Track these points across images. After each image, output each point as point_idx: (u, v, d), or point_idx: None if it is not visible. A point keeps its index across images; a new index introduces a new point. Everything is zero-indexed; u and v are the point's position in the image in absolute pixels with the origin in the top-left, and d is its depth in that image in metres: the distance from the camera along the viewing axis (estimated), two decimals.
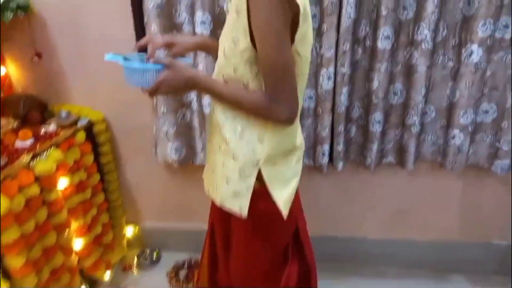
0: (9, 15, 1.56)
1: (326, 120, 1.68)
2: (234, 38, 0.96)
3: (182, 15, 1.62)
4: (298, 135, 1.13)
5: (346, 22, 1.52)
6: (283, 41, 0.91)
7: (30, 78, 1.86)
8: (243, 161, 1.05)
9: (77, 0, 1.70)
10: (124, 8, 1.66)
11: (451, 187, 1.85)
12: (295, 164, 1.13)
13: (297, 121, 1.10)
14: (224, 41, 1.01)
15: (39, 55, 1.79)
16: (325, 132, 1.71)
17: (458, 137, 1.65)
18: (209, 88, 1.02)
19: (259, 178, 1.05)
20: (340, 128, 1.70)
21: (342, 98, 1.65)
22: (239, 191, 1.07)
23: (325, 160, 1.76)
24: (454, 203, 1.88)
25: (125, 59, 1.08)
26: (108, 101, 1.87)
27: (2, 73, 1.80)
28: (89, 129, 1.83)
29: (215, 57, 1.09)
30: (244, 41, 0.94)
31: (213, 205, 1.28)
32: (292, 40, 0.93)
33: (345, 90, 1.64)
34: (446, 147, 1.71)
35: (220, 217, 1.21)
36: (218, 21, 1.62)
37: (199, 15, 1.59)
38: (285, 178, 1.10)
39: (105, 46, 1.73)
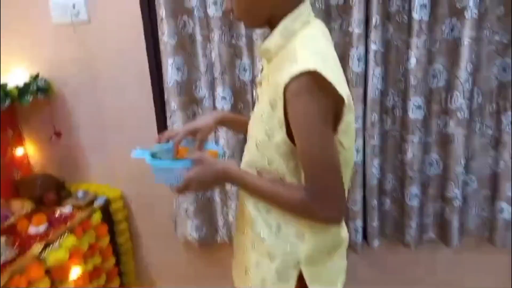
0: (28, 99, 1.56)
1: (358, 193, 1.56)
2: (268, 131, 0.87)
3: (202, 91, 1.59)
4: (342, 226, 0.99)
5: (373, 93, 1.45)
6: (326, 136, 0.81)
7: (48, 157, 1.83)
8: (281, 262, 0.92)
9: (97, 79, 1.70)
10: (144, 85, 1.65)
11: (501, 265, 1.65)
12: (340, 260, 0.99)
13: None
14: (256, 133, 0.92)
15: (58, 134, 1.77)
16: (357, 207, 1.58)
17: (506, 211, 1.49)
18: (243, 182, 0.92)
19: (300, 279, 0.92)
20: (374, 202, 1.57)
21: (374, 170, 1.54)
22: None
23: (358, 237, 1.62)
24: (506, 282, 1.67)
25: (153, 154, 1.01)
26: (126, 177, 1.81)
27: (20, 154, 1.78)
28: (106, 207, 1.75)
29: (236, 131, 0.98)
30: (280, 135, 0.84)
31: None
32: (335, 131, 0.84)
33: (376, 162, 1.53)
34: (493, 221, 1.55)
35: None
36: (239, 95, 1.58)
37: (219, 91, 1.55)
38: (330, 278, 0.96)
39: (124, 124, 1.74)
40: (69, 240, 1.44)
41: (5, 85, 1.47)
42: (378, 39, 1.41)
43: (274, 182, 0.90)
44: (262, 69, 0.96)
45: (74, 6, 1.60)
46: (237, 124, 1.16)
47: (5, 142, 1.70)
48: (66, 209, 1.63)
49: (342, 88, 0.80)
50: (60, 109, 1.75)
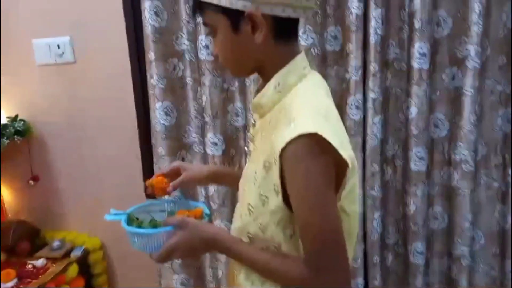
0: (4, 142, 1.46)
1: (358, 249, 1.45)
2: (261, 196, 0.77)
3: (192, 136, 1.50)
4: None
5: (372, 142, 1.38)
6: (329, 204, 0.71)
7: (24, 202, 1.71)
8: None
9: (80, 122, 1.61)
10: (130, 130, 1.56)
11: None
12: None
13: None
14: (249, 196, 0.81)
15: (35, 178, 1.66)
16: (358, 263, 1.46)
17: None
18: (234, 252, 0.81)
19: None
20: (375, 258, 1.46)
21: (375, 224, 1.44)
22: None
23: None
24: None
25: (129, 217, 0.91)
26: (106, 226, 1.66)
27: None
28: (83, 258, 1.61)
29: (230, 187, 0.86)
30: (275, 201, 0.75)
31: None
32: (338, 197, 0.74)
33: (377, 215, 1.44)
34: (503, 280, 1.44)
35: None
36: (231, 141, 1.50)
37: (210, 136, 1.47)
38: None
39: (107, 170, 1.64)
40: None
41: None
42: (377, 86, 1.36)
43: (270, 253, 0.79)
44: (254, 123, 0.86)
45: (58, 46, 1.53)
46: (231, 180, 1.03)
47: None
48: (39, 262, 1.49)
49: (345, 150, 0.70)
50: (39, 152, 1.65)
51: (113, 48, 1.51)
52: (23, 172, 1.65)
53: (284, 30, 0.76)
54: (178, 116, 1.50)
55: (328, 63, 1.42)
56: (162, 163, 1.50)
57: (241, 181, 0.88)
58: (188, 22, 1.42)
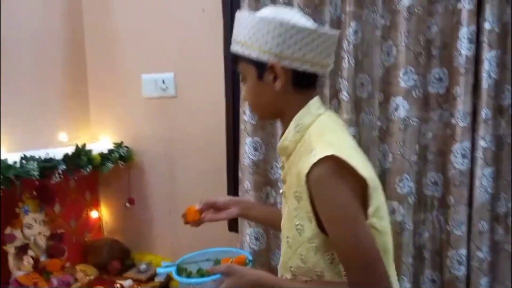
0: (109, 166, 1.59)
1: None
2: (297, 226, 0.85)
3: (278, 172, 1.48)
4: None
5: (480, 197, 1.22)
6: (358, 222, 0.79)
7: (119, 223, 1.84)
8: None
9: (175, 152, 1.70)
10: (219, 163, 1.60)
11: None
12: None
13: None
14: (287, 231, 0.90)
15: (131, 201, 1.77)
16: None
17: None
18: None
19: None
20: None
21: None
22: None
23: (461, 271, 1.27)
24: None
25: (178, 268, 1.01)
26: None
27: (94, 216, 1.80)
28: (166, 284, 1.66)
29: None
30: (310, 228, 0.83)
31: None
32: (366, 216, 0.80)
33: (484, 281, 1.25)
34: None
35: None
36: None
37: None
38: None
39: (195, 199, 1.69)
40: None
41: (89, 152, 1.52)
42: (488, 134, 1.21)
43: (314, 284, 0.85)
44: (283, 165, 0.95)
45: (163, 82, 1.66)
46: (263, 216, 1.16)
47: (82, 204, 1.75)
48: (127, 282, 1.56)
49: (363, 169, 0.78)
50: (137, 177, 1.77)
51: (210, 85, 1.59)
52: (122, 195, 1.78)
53: (302, 81, 0.88)
54: (266, 152, 1.50)
55: (430, 106, 1.33)
56: (247, 198, 1.50)
57: (282, 223, 0.94)
58: None
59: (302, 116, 0.88)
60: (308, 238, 0.83)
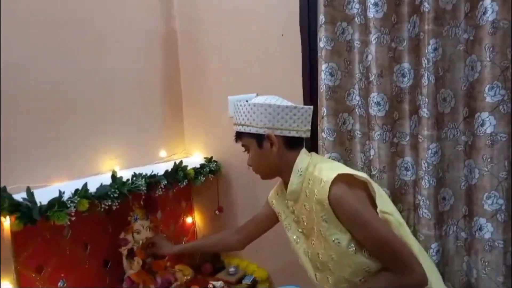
0: (201, 179, 1.78)
1: None
2: (335, 241, 1.09)
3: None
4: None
5: None
6: (376, 219, 1.05)
7: (210, 229, 2.03)
8: None
9: None
10: None
11: None
12: None
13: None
14: (326, 254, 1.13)
15: (220, 209, 1.95)
16: None
17: None
18: None
19: None
20: None
21: None
22: None
23: None
24: None
25: None
26: (273, 260, 1.84)
27: (189, 222, 2.02)
28: (252, 286, 1.80)
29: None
30: (344, 237, 1.08)
31: None
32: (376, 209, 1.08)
33: None
34: None
35: None
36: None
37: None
38: None
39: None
40: None
41: (185, 167, 1.72)
42: None
43: (370, 282, 1.07)
44: (292, 210, 1.26)
45: (247, 101, 1.80)
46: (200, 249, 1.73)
47: (179, 212, 1.97)
48: (218, 283, 1.73)
49: (362, 174, 1.11)
50: (225, 187, 1.94)
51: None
52: (212, 203, 1.97)
53: (291, 143, 1.20)
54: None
55: None
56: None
57: (312, 253, 1.21)
58: (360, 79, 1.49)
59: (298, 163, 1.18)
60: (346, 246, 1.07)
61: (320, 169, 1.12)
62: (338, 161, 1.56)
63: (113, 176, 1.44)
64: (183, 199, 1.98)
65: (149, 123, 1.86)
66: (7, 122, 1.30)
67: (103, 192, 1.36)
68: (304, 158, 1.19)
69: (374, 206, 1.09)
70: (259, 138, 1.20)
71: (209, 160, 1.89)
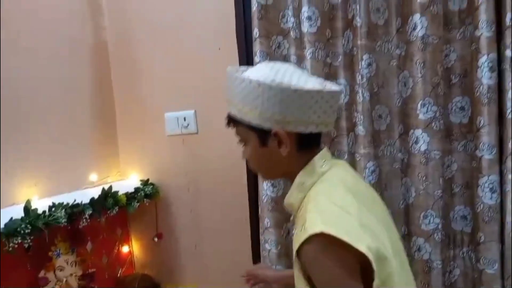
0: (135, 206, 1.65)
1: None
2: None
3: None
4: None
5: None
6: None
7: (148, 257, 1.88)
8: None
9: (199, 186, 1.73)
10: (242, 198, 1.61)
11: None
12: None
13: None
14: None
15: (159, 235, 1.82)
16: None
17: None
18: None
19: None
20: None
21: None
22: None
23: None
24: None
25: None
26: (219, 284, 1.73)
27: (125, 251, 1.87)
28: None
29: None
30: None
31: None
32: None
33: None
34: None
35: None
36: None
37: None
38: None
39: (219, 232, 1.72)
40: None
41: (115, 194, 1.58)
42: None
43: None
44: (293, 219, 1.05)
45: (185, 119, 1.71)
46: None
47: (114, 241, 1.81)
48: None
49: (363, 242, 0.71)
50: (164, 212, 1.81)
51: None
52: (150, 230, 1.83)
53: (307, 142, 0.85)
54: (286, 188, 1.49)
55: (454, 136, 1.27)
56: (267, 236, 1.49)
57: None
58: None
59: (304, 175, 0.85)
60: None
61: (316, 206, 0.80)
62: (285, 182, 1.45)
63: (26, 208, 1.28)
64: (118, 227, 1.82)
65: (77, 142, 1.69)
66: None
67: (12, 228, 1.20)
68: (315, 169, 0.85)
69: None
70: (263, 134, 0.84)
71: (145, 183, 1.76)
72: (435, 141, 1.24)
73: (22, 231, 1.21)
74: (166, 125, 1.76)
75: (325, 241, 0.71)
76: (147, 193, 1.71)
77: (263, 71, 0.84)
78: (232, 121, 0.89)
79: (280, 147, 0.84)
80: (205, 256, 1.76)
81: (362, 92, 1.29)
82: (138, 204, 1.67)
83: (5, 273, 1.34)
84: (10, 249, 1.20)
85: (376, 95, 1.32)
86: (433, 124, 1.24)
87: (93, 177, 1.72)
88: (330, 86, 0.87)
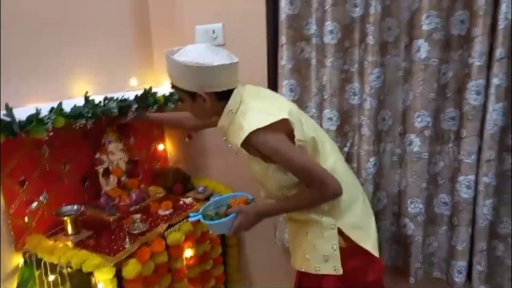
0: (170, 106, 1.91)
1: (464, 233, 1.47)
2: (255, 166, 1.30)
3: (311, 112, 1.70)
4: (345, 189, 1.23)
5: (490, 129, 1.36)
6: (293, 151, 1.20)
7: (180, 154, 2.19)
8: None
9: None
10: None
11: None
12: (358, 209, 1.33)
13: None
14: (253, 170, 1.33)
15: (190, 136, 2.09)
16: (462, 247, 1.48)
17: None
18: (275, 212, 1.42)
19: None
20: (482, 245, 1.46)
21: (485, 210, 1.43)
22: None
23: (460, 278, 1.51)
24: None
25: (205, 212, 1.39)
26: (238, 180, 2.03)
27: (161, 149, 2.17)
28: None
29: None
30: (264, 165, 1.26)
31: None
32: (294, 140, 1.21)
33: (488, 202, 1.42)
34: None
35: None
36: (346, 118, 1.65)
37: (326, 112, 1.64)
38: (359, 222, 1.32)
39: None
40: (186, 226, 1.70)
41: (155, 94, 1.84)
42: (501, 73, 1.32)
43: (294, 198, 1.28)
44: (224, 139, 1.37)
45: (213, 31, 1.90)
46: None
47: (151, 139, 2.11)
48: (188, 200, 1.92)
49: (280, 113, 1.19)
50: None
51: (253, 34, 1.80)
52: (182, 131, 2.11)
53: (222, 95, 1.24)
54: (301, 93, 1.72)
55: (452, 48, 1.44)
56: None
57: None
58: (317, 9, 1.60)
59: (229, 105, 1.25)
60: (266, 168, 1.27)
61: (244, 115, 1.22)
62: (302, 88, 1.70)
63: (86, 98, 1.55)
64: (154, 127, 2.11)
65: (118, 51, 1.92)
66: None
67: (77, 112, 1.48)
68: (235, 101, 1.26)
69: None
70: (193, 95, 1.25)
71: (171, 87, 1.99)
72: (425, 144, 1.49)
73: (85, 115, 1.49)
74: (196, 37, 1.96)
75: (260, 130, 1.15)
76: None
77: (189, 56, 1.22)
78: (173, 87, 1.30)
79: (205, 102, 1.25)
80: (227, 156, 2.03)
81: (370, 100, 1.51)
82: (173, 105, 1.93)
83: (71, 152, 1.67)
84: (77, 127, 1.48)
85: (382, 102, 1.55)
86: (425, 131, 1.49)
87: (133, 82, 1.97)
88: (231, 59, 1.24)
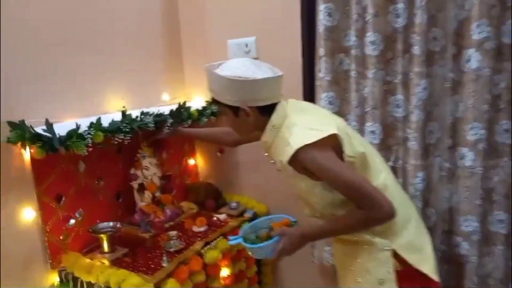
0: (204, 120, 1.88)
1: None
2: (306, 187, 1.22)
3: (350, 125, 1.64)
4: (398, 208, 1.13)
5: None
6: (342, 168, 1.13)
7: (212, 169, 2.15)
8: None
9: None
10: None
11: None
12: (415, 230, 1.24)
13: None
14: (298, 187, 1.25)
15: (221, 151, 2.07)
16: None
17: None
18: (321, 234, 1.28)
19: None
20: None
21: None
22: None
23: None
24: None
25: (246, 237, 1.31)
26: (272, 196, 1.98)
27: (192, 163, 2.14)
28: (253, 220, 1.94)
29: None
30: (310, 181, 1.20)
31: None
32: (343, 157, 1.15)
33: None
34: None
35: None
36: (389, 131, 1.59)
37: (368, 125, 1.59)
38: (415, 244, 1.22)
39: None
40: (223, 243, 1.65)
41: (188, 108, 1.81)
42: None
43: (342, 218, 1.20)
44: (267, 155, 1.32)
45: (246, 45, 1.87)
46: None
47: (183, 153, 2.08)
48: (222, 216, 1.87)
49: (328, 128, 1.14)
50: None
51: (288, 46, 1.76)
52: (213, 146, 2.08)
53: (266, 110, 1.21)
54: (341, 105, 1.66)
55: (504, 57, 1.37)
56: None
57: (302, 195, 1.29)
58: (356, 20, 1.56)
59: (273, 120, 1.21)
60: (312, 185, 1.20)
61: (291, 130, 1.16)
62: (340, 100, 1.65)
63: (123, 113, 1.53)
64: (185, 142, 2.08)
65: (151, 66, 1.92)
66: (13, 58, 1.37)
67: (115, 126, 1.46)
68: (279, 115, 1.21)
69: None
70: (235, 109, 1.22)
71: (210, 102, 1.97)
72: (479, 158, 1.42)
73: (123, 129, 1.47)
74: (229, 51, 1.94)
75: (307, 147, 1.10)
76: (213, 111, 1.93)
77: (231, 70, 1.19)
78: (215, 101, 1.27)
79: (248, 116, 1.21)
80: (261, 170, 1.99)
81: (417, 113, 1.47)
82: (206, 119, 1.90)
83: (105, 168, 1.65)
84: (115, 143, 1.46)
85: (429, 114, 1.49)
86: (479, 145, 1.42)
87: (165, 97, 1.96)
88: (274, 72, 1.21)
